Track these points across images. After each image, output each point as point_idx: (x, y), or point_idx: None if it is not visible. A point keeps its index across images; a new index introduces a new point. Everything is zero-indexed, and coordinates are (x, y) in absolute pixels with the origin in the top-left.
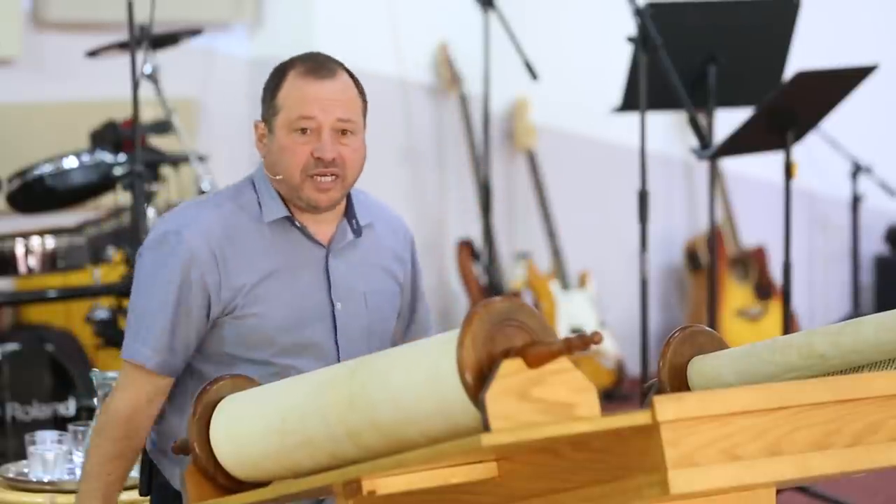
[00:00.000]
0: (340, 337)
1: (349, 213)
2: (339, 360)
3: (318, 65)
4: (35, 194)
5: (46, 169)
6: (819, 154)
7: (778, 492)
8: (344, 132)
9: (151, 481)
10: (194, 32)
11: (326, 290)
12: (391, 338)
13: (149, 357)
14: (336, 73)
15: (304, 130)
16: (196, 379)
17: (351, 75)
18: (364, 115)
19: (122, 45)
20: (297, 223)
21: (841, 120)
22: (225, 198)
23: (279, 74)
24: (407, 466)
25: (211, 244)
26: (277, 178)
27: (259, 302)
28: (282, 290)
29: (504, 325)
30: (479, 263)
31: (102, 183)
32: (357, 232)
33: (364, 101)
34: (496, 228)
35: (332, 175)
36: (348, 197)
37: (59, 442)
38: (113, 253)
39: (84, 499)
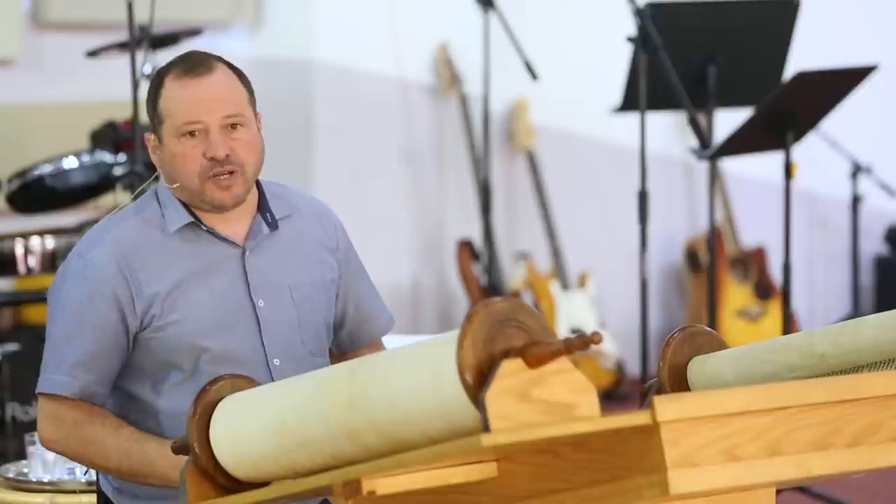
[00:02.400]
0: (265, 334)
1: (262, 207)
2: (266, 360)
3: (192, 64)
4: (35, 194)
5: (46, 169)
6: (819, 154)
7: (778, 492)
8: (234, 126)
9: None
10: (194, 32)
11: (245, 288)
12: (328, 330)
13: (66, 384)
14: (212, 68)
15: (192, 134)
16: (132, 401)
17: (230, 66)
18: (253, 105)
19: (122, 46)
20: (203, 226)
21: (841, 120)
22: (128, 214)
23: (156, 82)
24: (407, 467)
25: (118, 260)
26: (175, 186)
27: (176, 309)
28: (198, 295)
29: (504, 326)
30: (479, 263)
31: (102, 183)
32: (272, 225)
33: (249, 91)
34: (496, 228)
35: (229, 172)
36: (260, 191)
37: None
38: None
39: (157, 462)
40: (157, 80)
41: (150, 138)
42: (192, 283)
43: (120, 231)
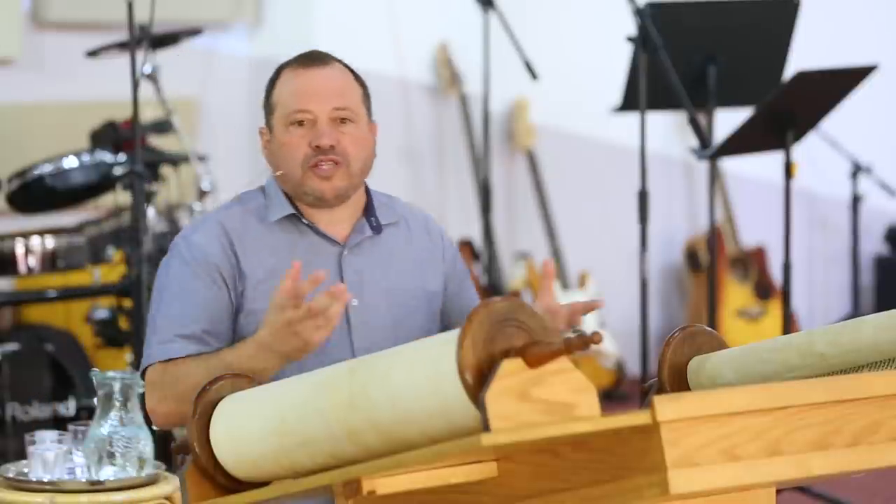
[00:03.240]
0: (355, 335)
1: (368, 211)
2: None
3: (310, 57)
4: (35, 194)
5: (46, 169)
6: (819, 154)
7: (778, 492)
8: (343, 120)
9: None
10: (194, 32)
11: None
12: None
13: (176, 350)
14: (328, 62)
15: (300, 123)
16: None
17: (348, 67)
18: (366, 105)
19: (122, 45)
20: (304, 221)
21: (841, 120)
22: (231, 203)
23: (274, 76)
24: (407, 466)
25: (220, 240)
26: (279, 174)
27: (266, 297)
28: None
29: (504, 326)
30: (479, 263)
31: (102, 183)
32: (377, 229)
33: (364, 90)
34: (496, 228)
35: (331, 161)
36: (368, 196)
37: (59, 442)
38: (113, 253)
39: (232, 363)
40: (275, 73)
41: (263, 131)
42: (284, 274)
43: (222, 216)
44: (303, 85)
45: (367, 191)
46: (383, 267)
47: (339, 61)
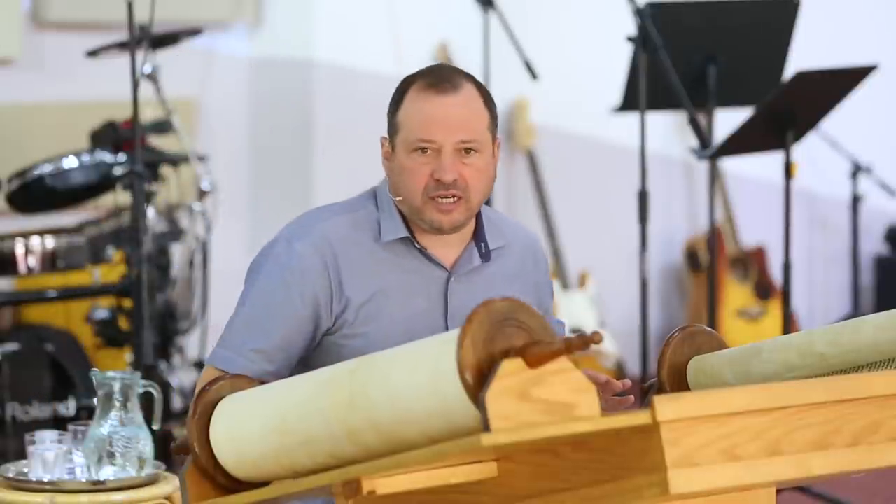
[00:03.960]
0: None
1: (478, 235)
2: None
3: (440, 79)
4: (35, 194)
5: (46, 169)
6: (819, 154)
7: (778, 492)
8: (468, 150)
9: None
10: (194, 32)
11: (443, 314)
12: None
13: (243, 367)
14: (459, 87)
15: (424, 150)
16: None
17: (477, 85)
18: (493, 130)
19: (122, 45)
20: (416, 245)
21: (841, 120)
22: (341, 209)
23: (401, 90)
24: (407, 466)
25: (324, 255)
26: (398, 199)
27: (369, 321)
28: (394, 311)
29: (504, 325)
30: None
31: (102, 183)
32: (485, 256)
33: (492, 113)
34: None
35: (453, 197)
36: (478, 218)
37: (59, 442)
38: (113, 253)
39: None
40: (403, 87)
41: (384, 142)
42: (390, 298)
43: (330, 226)
44: (430, 112)
45: (478, 212)
46: (487, 296)
47: (471, 80)
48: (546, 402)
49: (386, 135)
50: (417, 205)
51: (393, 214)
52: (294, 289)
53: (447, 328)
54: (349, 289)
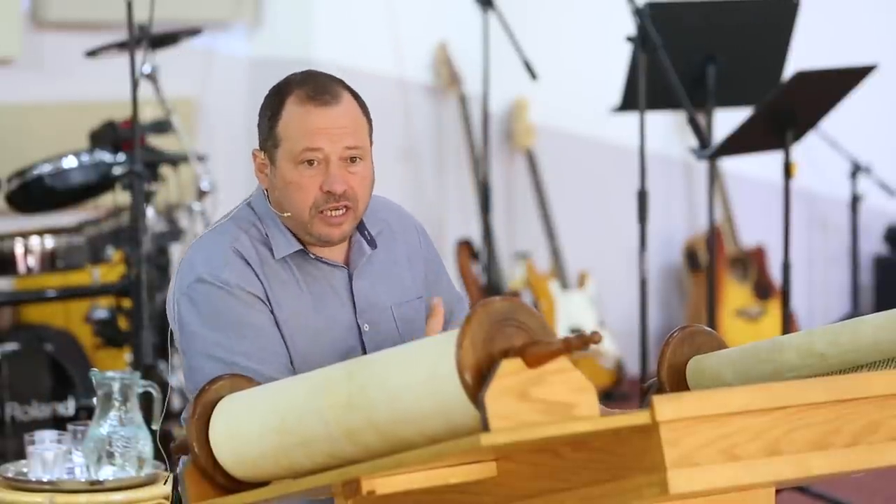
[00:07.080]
0: None
1: (359, 225)
2: None
3: (318, 89)
4: (34, 194)
5: (46, 169)
6: (818, 154)
7: (777, 492)
8: (353, 159)
9: None
10: (194, 32)
11: (353, 313)
12: None
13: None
14: (339, 97)
15: (310, 162)
16: None
17: (353, 94)
18: (370, 135)
19: (122, 45)
20: (312, 255)
21: (840, 120)
22: (230, 228)
23: (277, 100)
24: (406, 466)
25: (252, 266)
26: (286, 215)
27: (294, 336)
28: (313, 324)
29: (503, 325)
30: (479, 263)
31: (102, 183)
32: (372, 243)
33: (369, 121)
34: (495, 228)
35: (343, 208)
36: None
37: (59, 442)
38: (112, 253)
39: None
40: (278, 98)
41: (258, 155)
42: (307, 313)
43: (237, 244)
44: (316, 123)
45: None
46: (385, 283)
47: (346, 88)
48: (545, 402)
49: (258, 147)
50: (305, 220)
51: (281, 229)
52: (248, 302)
53: (359, 327)
54: (273, 303)
